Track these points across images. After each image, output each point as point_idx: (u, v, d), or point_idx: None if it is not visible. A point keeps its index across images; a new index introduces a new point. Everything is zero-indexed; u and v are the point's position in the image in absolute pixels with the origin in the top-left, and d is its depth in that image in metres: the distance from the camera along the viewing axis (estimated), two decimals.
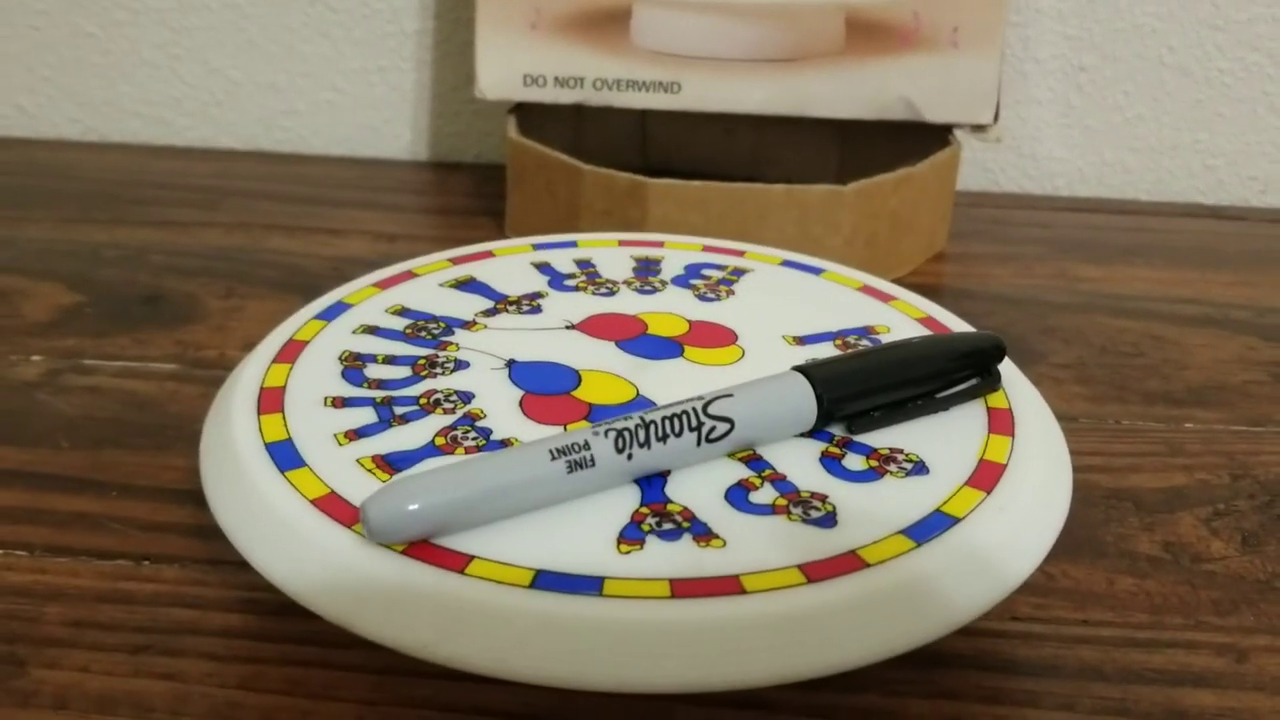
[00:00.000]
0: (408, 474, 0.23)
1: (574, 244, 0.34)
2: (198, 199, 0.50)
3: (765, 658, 0.20)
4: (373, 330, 0.29)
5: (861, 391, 0.26)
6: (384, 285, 0.31)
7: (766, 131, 0.51)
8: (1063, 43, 0.53)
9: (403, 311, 0.30)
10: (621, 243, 0.35)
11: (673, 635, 0.20)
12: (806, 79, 0.46)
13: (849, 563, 0.22)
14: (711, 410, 0.24)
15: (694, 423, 0.24)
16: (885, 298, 0.32)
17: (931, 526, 0.23)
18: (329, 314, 0.30)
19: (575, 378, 0.27)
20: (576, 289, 0.32)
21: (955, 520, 0.23)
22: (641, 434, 0.23)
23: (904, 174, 0.43)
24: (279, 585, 0.22)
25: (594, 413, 0.26)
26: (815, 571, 0.21)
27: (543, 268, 0.33)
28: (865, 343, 0.30)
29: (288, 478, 0.24)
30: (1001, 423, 0.26)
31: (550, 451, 0.23)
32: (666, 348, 0.29)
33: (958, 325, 0.31)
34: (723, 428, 0.24)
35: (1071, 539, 0.29)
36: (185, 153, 0.57)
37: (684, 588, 0.21)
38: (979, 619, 0.22)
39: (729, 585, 0.21)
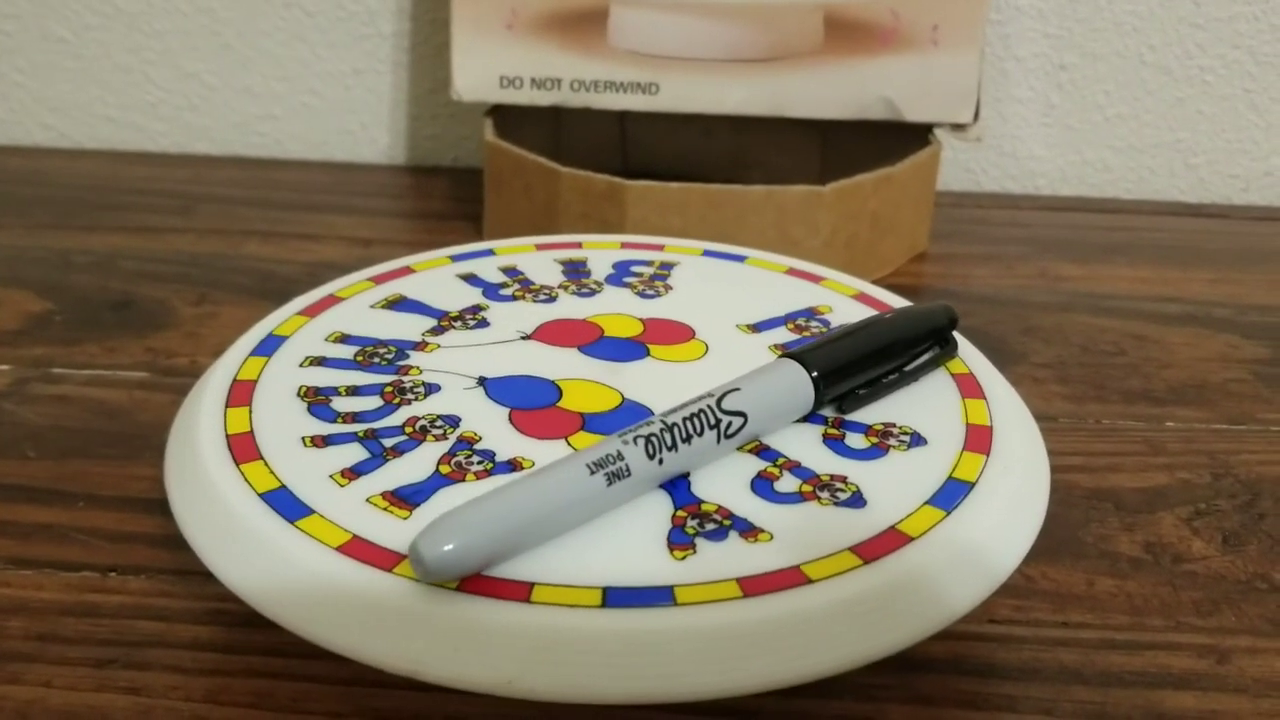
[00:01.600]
0: (451, 508, 0.21)
1: (491, 252, 0.34)
2: (171, 205, 0.50)
3: (838, 645, 0.20)
4: (320, 361, 0.28)
5: (849, 372, 0.26)
6: (311, 313, 0.30)
7: (747, 133, 0.51)
8: (1043, 41, 0.53)
9: (344, 339, 0.29)
10: (538, 246, 0.34)
11: (755, 635, 0.20)
12: (785, 79, 0.46)
13: (894, 539, 0.22)
14: (725, 405, 0.24)
15: (712, 420, 0.24)
16: (814, 279, 0.33)
17: (952, 494, 0.23)
18: (265, 349, 0.28)
19: (554, 389, 0.27)
20: (514, 298, 0.31)
21: (971, 485, 0.24)
22: (668, 437, 0.23)
23: (883, 174, 0.43)
24: (332, 647, 0.21)
25: (589, 422, 0.25)
26: (867, 552, 0.22)
27: (470, 279, 0.32)
28: (815, 324, 0.30)
29: (300, 528, 0.22)
30: (969, 386, 0.27)
31: (588, 466, 0.22)
32: (630, 349, 0.29)
33: (893, 300, 0.31)
34: (738, 422, 0.24)
35: (1051, 539, 0.29)
36: (159, 158, 0.56)
37: (752, 585, 0.21)
38: (958, 622, 0.22)
39: (794, 577, 0.21)
